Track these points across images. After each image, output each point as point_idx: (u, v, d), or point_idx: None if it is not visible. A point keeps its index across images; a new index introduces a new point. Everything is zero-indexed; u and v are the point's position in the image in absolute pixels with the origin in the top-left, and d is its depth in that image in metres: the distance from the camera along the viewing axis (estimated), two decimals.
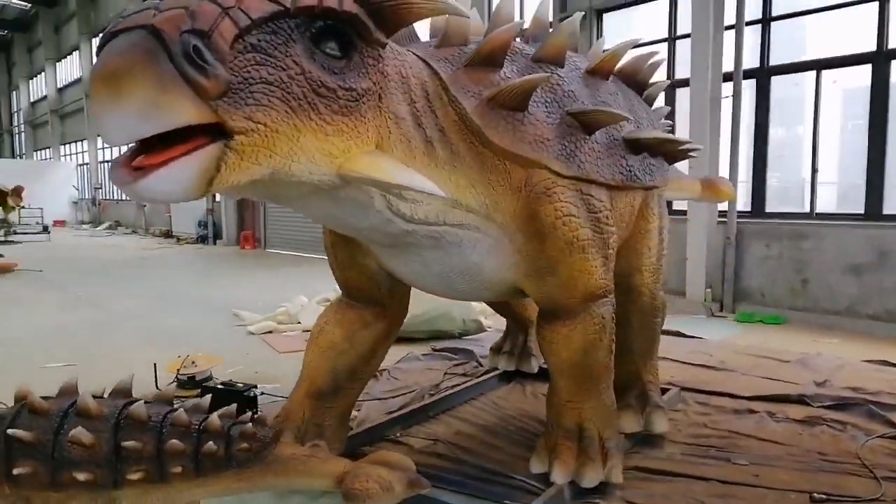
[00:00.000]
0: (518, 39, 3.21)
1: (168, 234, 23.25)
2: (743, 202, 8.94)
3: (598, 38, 10.59)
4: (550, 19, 11.27)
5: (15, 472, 2.14)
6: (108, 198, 32.13)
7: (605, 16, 10.61)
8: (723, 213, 8.75)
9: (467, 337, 6.76)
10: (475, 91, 2.70)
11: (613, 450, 3.15)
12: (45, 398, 2.31)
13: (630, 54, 3.73)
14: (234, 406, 2.46)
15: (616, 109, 3.17)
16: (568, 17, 10.65)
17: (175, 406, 2.42)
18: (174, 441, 2.21)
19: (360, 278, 3.36)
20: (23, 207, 13.55)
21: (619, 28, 10.56)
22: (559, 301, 3.06)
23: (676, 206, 9.38)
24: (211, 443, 2.24)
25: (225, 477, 2.28)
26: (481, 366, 5.55)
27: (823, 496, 3.21)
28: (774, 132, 9.62)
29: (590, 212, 2.99)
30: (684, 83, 9.16)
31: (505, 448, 3.75)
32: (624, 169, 3.27)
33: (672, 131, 5.11)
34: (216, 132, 1.75)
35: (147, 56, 1.59)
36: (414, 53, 2.69)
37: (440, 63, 2.72)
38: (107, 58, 1.63)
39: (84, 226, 32.03)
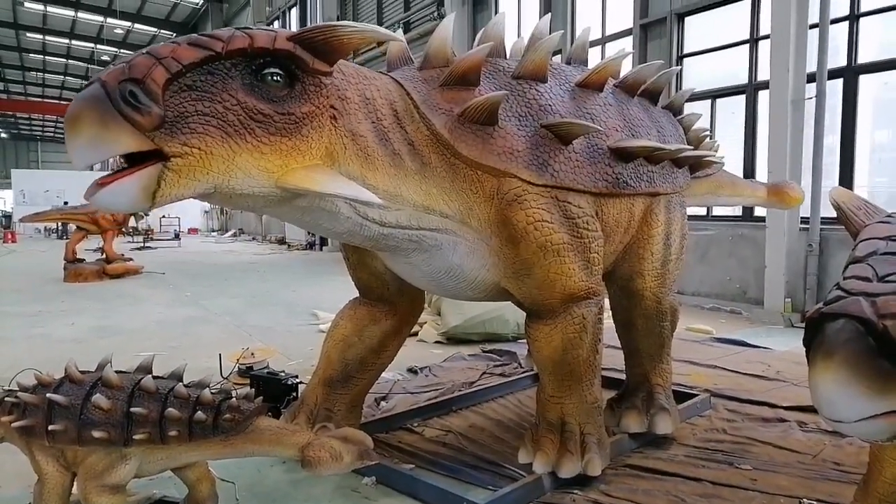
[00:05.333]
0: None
1: (282, 241, 24.89)
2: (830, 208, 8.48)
3: (678, 44, 10.43)
4: (631, 25, 11.14)
5: (50, 428, 2.66)
6: None
7: (686, 19, 10.41)
8: (805, 220, 8.37)
9: (521, 340, 6.94)
10: (446, 109, 2.99)
11: (592, 444, 3.29)
12: (118, 372, 2.83)
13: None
14: (251, 389, 2.88)
15: (588, 121, 3.31)
16: (650, 21, 10.63)
17: (187, 382, 2.88)
18: (171, 409, 2.66)
19: (370, 278, 3.71)
20: (148, 216, 15.21)
21: (702, 31, 10.33)
22: (539, 301, 3.26)
23: (757, 212, 9.08)
24: (201, 413, 2.66)
25: (212, 442, 2.70)
26: (521, 367, 5.75)
27: (814, 502, 3.19)
28: (878, 134, 9.09)
29: (566, 217, 3.17)
30: (766, 85, 8.84)
31: (510, 441, 3.97)
32: (610, 177, 3.40)
33: (710, 138, 5.10)
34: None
35: (93, 102, 2.06)
36: (391, 76, 3.02)
37: (415, 84, 3.03)
38: (70, 106, 2.11)
39: (213, 233, 34.86)
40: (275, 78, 2.33)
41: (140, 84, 2.08)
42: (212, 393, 2.75)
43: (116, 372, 2.80)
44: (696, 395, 4.72)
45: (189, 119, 2.17)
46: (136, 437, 2.64)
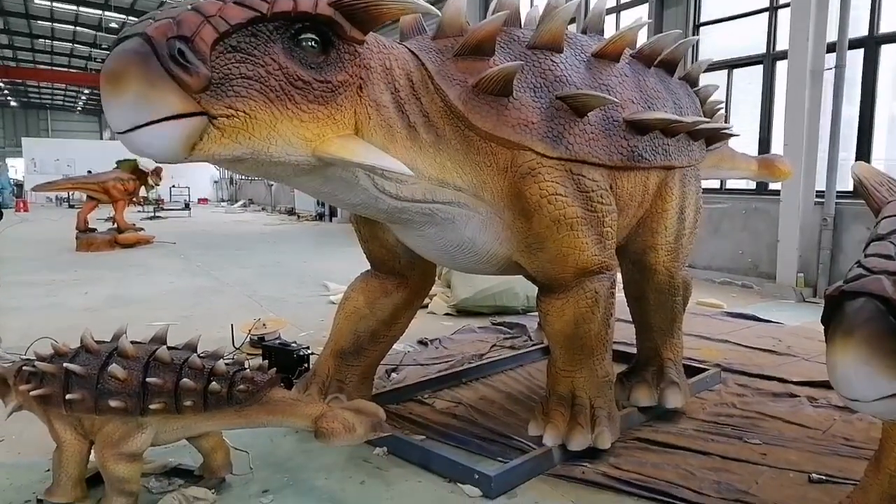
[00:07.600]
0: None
1: (291, 212, 24.90)
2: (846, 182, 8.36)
3: (695, 13, 10.22)
4: None
5: (68, 397, 2.69)
6: (243, 178, 34.71)
7: None
8: (820, 194, 8.26)
9: (531, 313, 6.95)
10: (461, 79, 2.94)
11: (602, 417, 3.30)
12: (133, 342, 2.85)
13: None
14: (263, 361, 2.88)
15: (604, 92, 3.25)
16: None
17: (200, 353, 2.90)
18: (186, 380, 2.68)
19: (381, 251, 3.71)
20: (158, 186, 15.27)
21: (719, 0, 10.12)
22: (552, 275, 3.25)
23: (772, 186, 8.97)
24: (215, 383, 2.69)
25: (227, 413, 2.73)
26: (531, 340, 5.76)
27: (823, 477, 3.20)
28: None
29: (580, 191, 3.13)
30: (784, 56, 8.67)
31: (520, 413, 3.99)
32: (625, 150, 3.36)
33: (725, 110, 5.02)
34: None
35: (139, 58, 1.97)
36: (406, 46, 2.98)
37: (429, 54, 2.98)
38: (110, 61, 2.03)
39: (223, 203, 34.90)
40: (310, 44, 2.29)
41: (189, 42, 2.01)
42: (226, 364, 2.78)
43: (132, 342, 2.83)
44: (706, 370, 4.73)
45: (234, 81, 2.12)
46: (151, 406, 2.67)
